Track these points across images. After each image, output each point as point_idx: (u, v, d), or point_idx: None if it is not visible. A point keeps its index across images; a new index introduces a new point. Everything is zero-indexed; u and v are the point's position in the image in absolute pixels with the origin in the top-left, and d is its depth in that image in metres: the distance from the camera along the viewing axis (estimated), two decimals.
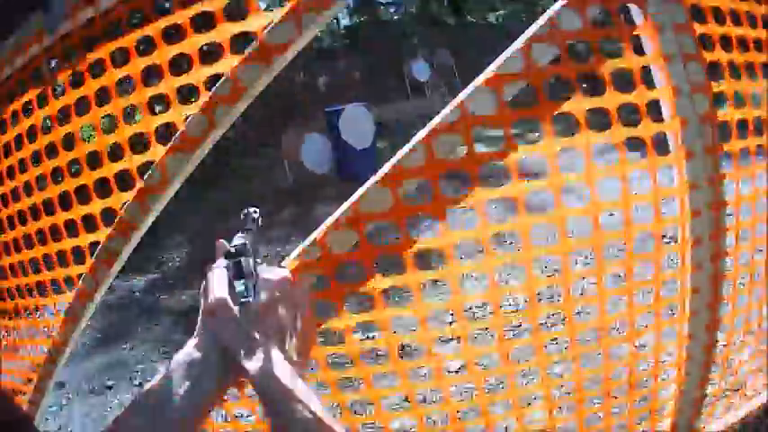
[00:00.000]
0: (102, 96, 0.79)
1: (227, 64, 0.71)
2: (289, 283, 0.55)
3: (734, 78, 0.86)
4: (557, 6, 0.72)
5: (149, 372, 2.56)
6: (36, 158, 0.89)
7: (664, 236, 0.84)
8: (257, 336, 0.50)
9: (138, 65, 0.76)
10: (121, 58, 0.75)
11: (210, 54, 0.76)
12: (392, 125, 7.35)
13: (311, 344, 0.58)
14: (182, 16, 0.73)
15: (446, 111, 0.68)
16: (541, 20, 0.72)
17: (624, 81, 0.78)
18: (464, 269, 0.81)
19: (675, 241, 0.82)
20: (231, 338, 0.50)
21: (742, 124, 0.87)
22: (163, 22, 0.75)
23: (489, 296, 0.74)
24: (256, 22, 0.70)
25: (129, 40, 0.77)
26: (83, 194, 0.85)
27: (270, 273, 0.55)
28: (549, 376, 0.81)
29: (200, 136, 0.73)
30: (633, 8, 0.78)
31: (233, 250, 0.52)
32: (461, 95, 0.70)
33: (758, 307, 0.99)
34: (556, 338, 1.44)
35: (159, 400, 0.48)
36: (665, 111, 0.80)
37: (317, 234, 0.67)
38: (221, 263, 0.54)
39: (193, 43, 0.73)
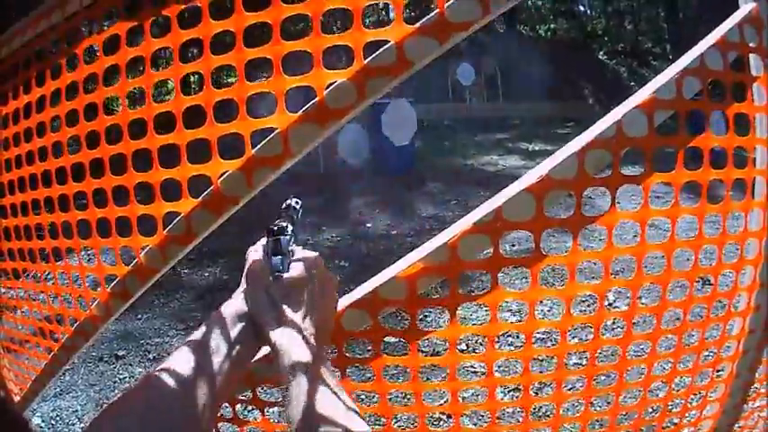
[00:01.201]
0: (138, 131, 0.73)
1: (281, 120, 0.64)
2: (319, 266, 0.58)
3: None
4: (705, 45, 0.75)
5: (165, 346, 2.51)
6: (61, 179, 0.86)
7: (707, 281, 0.84)
8: (284, 309, 0.53)
9: (182, 103, 0.70)
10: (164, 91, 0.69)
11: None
12: (430, 125, 7.22)
13: (331, 326, 0.61)
14: (235, 59, 0.66)
15: (601, 127, 0.67)
16: (691, 54, 0.74)
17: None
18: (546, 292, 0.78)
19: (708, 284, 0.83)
20: (260, 307, 0.54)
21: None
22: (214, 62, 0.68)
23: (557, 324, 0.70)
24: (319, 80, 0.63)
25: (176, 71, 0.71)
26: (104, 229, 0.80)
27: (303, 254, 0.59)
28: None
29: (234, 196, 0.66)
30: (755, 60, 0.81)
31: (275, 228, 0.57)
32: (617, 113, 0.68)
33: None
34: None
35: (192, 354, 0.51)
36: (761, 158, 0.84)
37: (447, 237, 0.64)
38: (263, 240, 0.59)
39: (244, 90, 0.66)
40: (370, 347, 0.65)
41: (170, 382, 0.48)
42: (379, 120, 5.16)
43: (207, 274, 3.29)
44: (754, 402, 1.06)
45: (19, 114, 0.99)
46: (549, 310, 2.29)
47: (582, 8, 17.79)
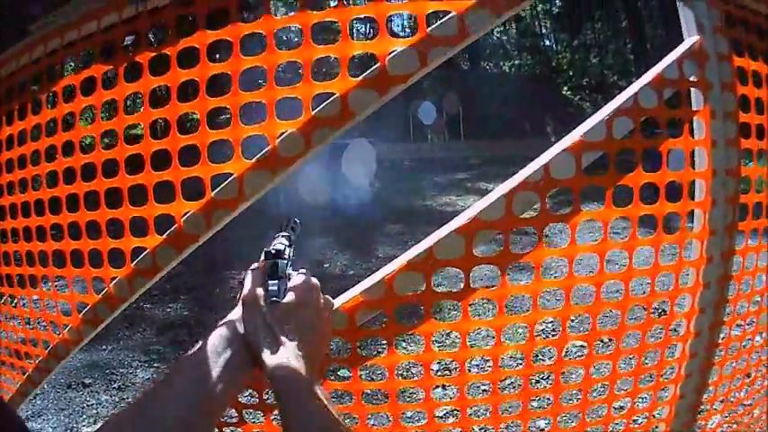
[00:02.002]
0: (110, 171, 0.85)
1: (237, 166, 0.75)
2: (316, 290, 0.62)
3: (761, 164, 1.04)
4: (639, 84, 0.85)
5: (129, 376, 2.66)
6: (39, 210, 0.97)
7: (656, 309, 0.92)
8: (280, 334, 0.56)
9: (150, 146, 0.81)
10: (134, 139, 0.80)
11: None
12: (390, 165, 7.63)
13: (325, 351, 0.64)
14: (197, 107, 0.78)
15: (529, 170, 0.76)
16: (625, 94, 0.84)
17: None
18: (476, 323, 0.88)
19: (661, 313, 0.89)
20: (255, 331, 0.57)
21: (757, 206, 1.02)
22: (180, 108, 0.79)
23: (490, 352, 0.81)
24: (271, 129, 0.74)
25: (146, 116, 0.83)
26: (77, 260, 0.91)
27: (300, 279, 0.62)
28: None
29: (195, 234, 0.77)
30: (695, 94, 0.92)
31: (272, 251, 0.59)
32: (546, 157, 0.78)
33: (730, 378, 1.13)
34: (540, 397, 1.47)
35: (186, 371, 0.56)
36: (700, 190, 0.93)
37: (384, 274, 0.73)
38: (260, 263, 0.62)
39: (205, 136, 0.77)
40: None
41: (163, 403, 0.53)
42: (339, 160, 5.38)
43: (169, 310, 3.48)
44: (707, 422, 1.15)
45: (1, 146, 1.10)
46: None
47: (548, 42, 18.80)
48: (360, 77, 0.74)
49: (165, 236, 0.79)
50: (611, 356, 0.87)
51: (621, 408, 0.95)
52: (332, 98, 0.74)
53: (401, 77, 0.74)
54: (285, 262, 0.60)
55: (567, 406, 0.88)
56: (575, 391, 0.91)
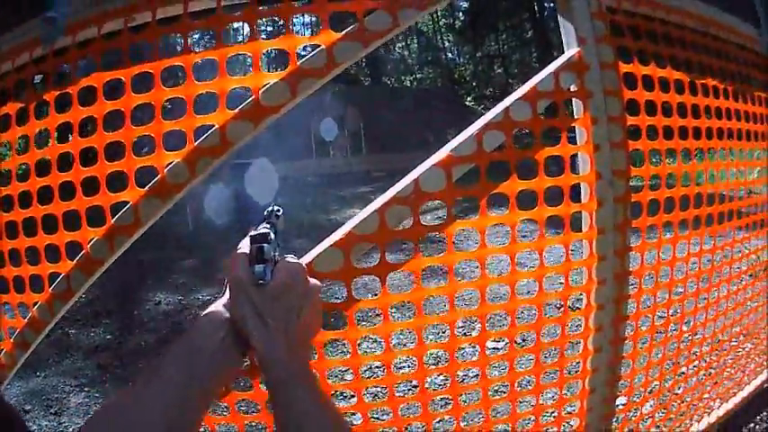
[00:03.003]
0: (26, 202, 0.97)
1: (132, 194, 0.87)
2: (303, 273, 0.65)
3: (654, 164, 1.13)
4: (511, 99, 0.92)
5: (63, 401, 2.81)
6: None
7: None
8: (268, 317, 0.59)
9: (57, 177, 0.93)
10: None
11: None
12: (293, 182, 8.04)
13: (315, 333, 0.67)
14: (96, 141, 0.89)
15: (401, 185, 0.85)
16: (497, 108, 0.91)
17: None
18: (364, 332, 0.98)
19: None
20: (243, 316, 0.60)
21: (653, 202, 1.13)
22: (82, 143, 0.91)
23: (381, 357, 0.92)
24: (159, 160, 0.86)
25: (52, 151, 0.94)
26: (3, 286, 1.04)
27: (286, 262, 0.65)
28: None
29: (101, 258, 0.89)
30: (576, 102, 1.00)
31: (257, 236, 0.63)
32: (416, 172, 0.87)
33: (658, 365, 1.25)
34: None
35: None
36: (585, 193, 1.02)
37: None
38: (245, 246, 0.64)
39: (103, 168, 0.89)
40: None
41: (154, 391, 0.55)
42: (243, 179, 5.93)
43: (93, 335, 3.68)
44: (629, 413, 1.25)
45: None
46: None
47: (450, 55, 19.75)
48: (236, 110, 0.85)
49: (75, 261, 0.91)
50: (506, 356, 0.98)
51: (528, 403, 1.05)
52: (212, 130, 0.85)
53: (273, 108, 0.85)
54: (270, 246, 0.63)
55: (468, 406, 0.99)
56: (476, 391, 1.00)
